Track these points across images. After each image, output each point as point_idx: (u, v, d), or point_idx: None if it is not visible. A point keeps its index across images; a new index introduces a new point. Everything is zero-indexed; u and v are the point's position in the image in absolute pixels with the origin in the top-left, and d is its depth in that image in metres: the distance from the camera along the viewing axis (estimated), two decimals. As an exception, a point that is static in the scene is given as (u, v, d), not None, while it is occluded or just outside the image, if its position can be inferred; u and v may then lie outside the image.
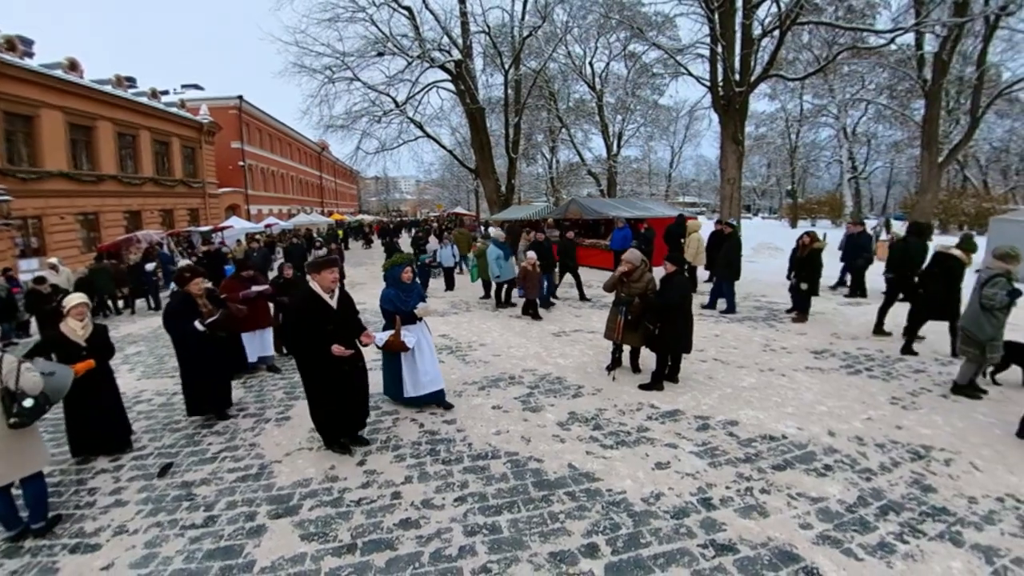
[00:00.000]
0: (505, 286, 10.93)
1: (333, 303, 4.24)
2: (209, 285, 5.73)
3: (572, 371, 6.46)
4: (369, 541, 3.23)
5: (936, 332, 7.03)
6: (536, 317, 9.56)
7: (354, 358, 4.37)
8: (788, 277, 9.16)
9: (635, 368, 6.27)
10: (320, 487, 3.91)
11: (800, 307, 8.82)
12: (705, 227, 12.50)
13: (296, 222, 33.21)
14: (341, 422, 4.49)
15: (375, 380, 5.22)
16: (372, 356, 5.62)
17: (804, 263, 8.51)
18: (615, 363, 6.29)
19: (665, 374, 5.75)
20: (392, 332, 4.94)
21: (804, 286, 8.48)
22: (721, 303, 9.69)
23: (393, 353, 5.10)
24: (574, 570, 2.95)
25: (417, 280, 5.41)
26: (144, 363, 7.79)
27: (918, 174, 24.15)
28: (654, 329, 5.57)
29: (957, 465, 4.01)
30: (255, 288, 6.72)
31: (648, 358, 6.03)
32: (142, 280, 12.99)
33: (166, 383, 6.67)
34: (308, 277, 4.29)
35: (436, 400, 5.40)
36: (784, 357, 6.78)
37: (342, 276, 7.35)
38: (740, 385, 5.78)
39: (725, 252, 9.56)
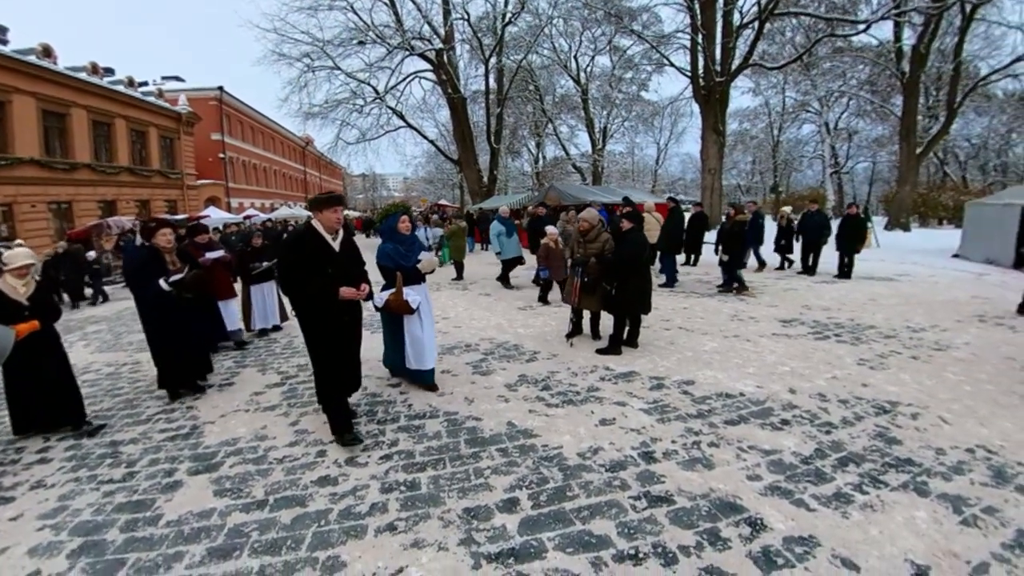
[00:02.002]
0: (508, 266, 10.05)
1: (335, 245, 3.71)
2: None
3: (531, 339, 6.13)
4: (281, 498, 2.99)
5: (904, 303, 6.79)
6: (545, 301, 8.34)
7: (354, 309, 3.80)
8: (715, 252, 9.14)
9: (595, 335, 5.94)
10: (247, 445, 3.69)
11: (728, 280, 8.86)
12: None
13: (278, 215, 32.58)
14: (347, 382, 3.86)
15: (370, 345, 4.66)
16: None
17: (728, 235, 8.53)
18: (575, 330, 5.96)
19: (624, 338, 5.43)
20: (392, 291, 4.23)
21: (725, 257, 8.62)
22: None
23: (394, 318, 4.43)
24: (485, 526, 2.61)
25: (417, 234, 4.74)
26: (101, 339, 7.43)
27: (899, 168, 24.18)
28: (611, 290, 5.24)
29: (924, 419, 3.71)
30: (210, 254, 6.07)
31: (609, 326, 5.71)
32: (82, 270, 11.44)
33: (118, 356, 6.40)
34: (310, 216, 3.77)
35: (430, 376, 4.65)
36: (751, 325, 6.49)
37: None
38: (702, 349, 5.47)
39: (665, 226, 9.64)
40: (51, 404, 3.98)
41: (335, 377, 3.74)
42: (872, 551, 2.35)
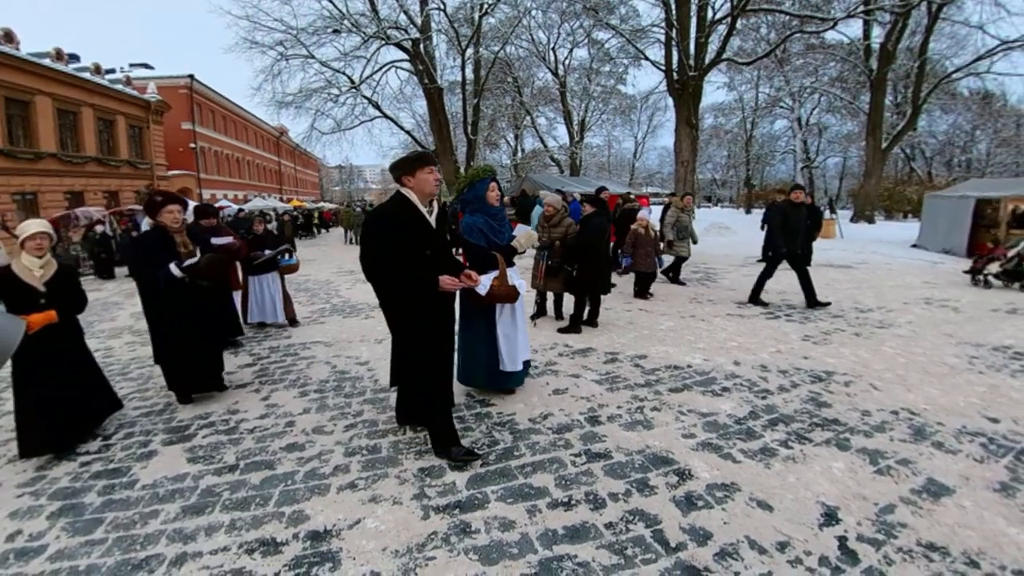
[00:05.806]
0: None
1: (432, 220, 2.98)
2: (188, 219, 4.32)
3: (497, 322, 6.30)
4: (251, 462, 3.13)
5: (861, 288, 7.10)
6: (646, 295, 7.41)
7: (450, 303, 3.10)
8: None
9: (558, 315, 6.16)
10: (219, 419, 3.79)
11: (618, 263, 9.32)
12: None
13: (251, 207, 32.15)
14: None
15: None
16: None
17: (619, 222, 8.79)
18: (539, 311, 6.17)
19: (584, 318, 5.65)
20: (495, 275, 3.45)
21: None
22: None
23: (483, 313, 3.61)
24: (437, 483, 2.79)
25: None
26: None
27: (865, 162, 24.93)
28: (572, 271, 5.45)
29: (856, 386, 3.99)
30: (217, 241, 5.28)
31: (572, 307, 5.92)
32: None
33: (90, 343, 6.09)
34: (400, 181, 2.96)
35: (526, 374, 4.01)
36: (708, 307, 6.80)
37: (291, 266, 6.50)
38: (657, 328, 5.73)
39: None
40: (73, 414, 3.35)
41: (445, 384, 3.12)
42: (787, 495, 2.59)
